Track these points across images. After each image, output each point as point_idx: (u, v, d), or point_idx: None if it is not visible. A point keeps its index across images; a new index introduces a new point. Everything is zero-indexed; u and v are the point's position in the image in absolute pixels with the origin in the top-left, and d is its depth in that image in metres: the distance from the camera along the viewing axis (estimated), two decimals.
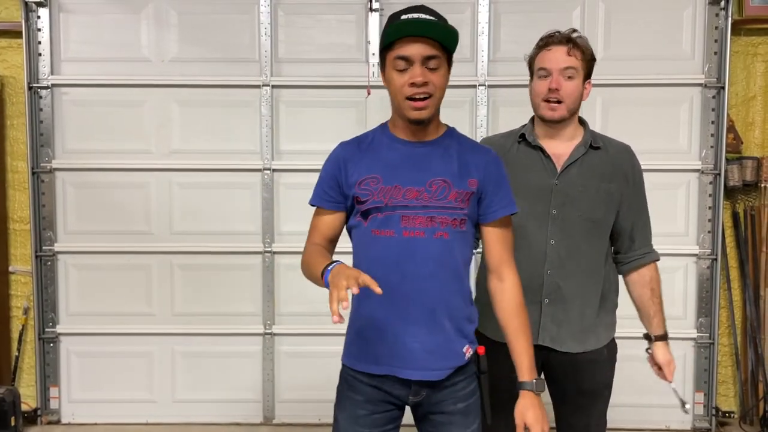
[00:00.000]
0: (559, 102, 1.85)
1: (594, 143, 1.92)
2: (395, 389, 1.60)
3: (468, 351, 1.62)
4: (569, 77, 1.85)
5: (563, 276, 1.90)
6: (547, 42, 1.88)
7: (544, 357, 1.93)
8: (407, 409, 1.69)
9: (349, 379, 1.64)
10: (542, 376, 2.00)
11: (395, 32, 1.50)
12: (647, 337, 2.08)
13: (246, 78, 3.35)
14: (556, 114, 1.86)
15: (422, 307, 1.56)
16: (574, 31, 1.90)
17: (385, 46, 1.54)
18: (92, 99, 3.38)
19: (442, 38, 1.50)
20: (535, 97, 1.90)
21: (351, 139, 1.67)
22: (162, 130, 3.39)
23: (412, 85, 1.49)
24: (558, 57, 1.85)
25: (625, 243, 1.98)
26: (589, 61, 1.89)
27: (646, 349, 2.08)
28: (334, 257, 1.55)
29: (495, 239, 1.61)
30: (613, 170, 1.91)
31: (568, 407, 2.00)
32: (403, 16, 1.51)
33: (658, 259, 2.02)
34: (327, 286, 1.41)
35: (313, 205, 1.66)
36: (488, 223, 1.61)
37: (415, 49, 1.49)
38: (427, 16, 1.51)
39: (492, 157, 1.63)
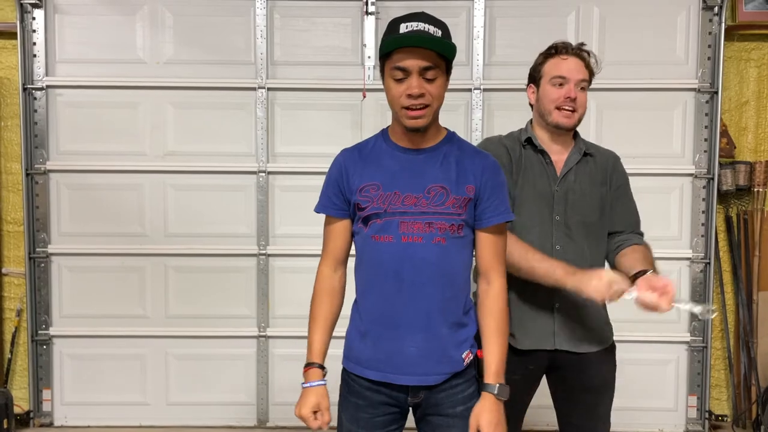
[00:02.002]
0: (573, 111, 1.89)
1: (587, 150, 1.97)
2: (394, 392, 1.62)
3: (468, 357, 1.63)
4: (582, 89, 1.90)
5: None
6: (561, 51, 1.90)
7: (551, 358, 1.95)
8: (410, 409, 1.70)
9: (349, 383, 1.65)
10: (544, 377, 2.02)
11: (393, 43, 1.51)
12: (636, 276, 1.76)
13: (241, 80, 3.35)
14: (571, 122, 1.90)
15: (419, 312, 1.57)
16: (582, 44, 1.94)
17: (384, 54, 1.55)
18: (87, 100, 3.37)
19: (440, 50, 1.51)
20: (549, 103, 1.90)
21: (352, 146, 1.69)
22: (156, 132, 3.38)
23: (409, 96, 1.51)
24: (577, 68, 1.88)
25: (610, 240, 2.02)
26: (593, 73, 1.95)
27: (630, 291, 1.73)
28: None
29: (486, 245, 1.62)
30: (602, 176, 1.97)
31: (574, 407, 2.01)
32: (402, 25, 1.52)
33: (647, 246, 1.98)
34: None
35: (318, 213, 1.69)
36: (482, 228, 1.62)
37: (413, 61, 1.50)
38: (426, 26, 1.51)
39: (490, 163, 1.63)
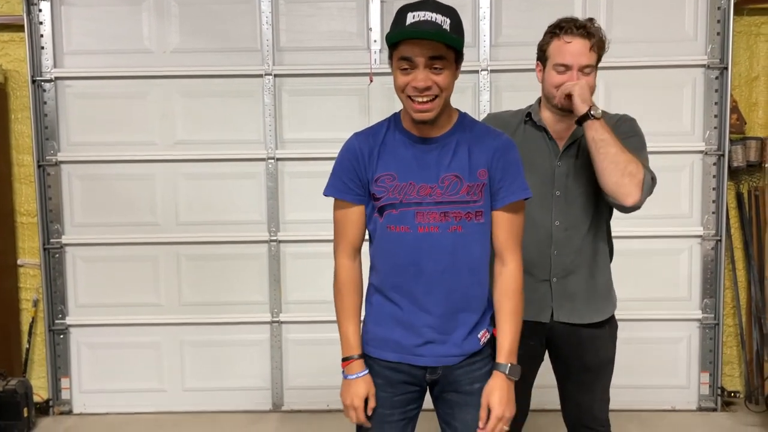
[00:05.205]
0: None
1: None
2: (412, 371, 1.64)
3: (484, 336, 1.65)
4: (587, 73, 1.85)
5: (570, 252, 1.93)
6: (566, 31, 1.84)
7: (548, 333, 1.96)
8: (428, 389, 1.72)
9: (369, 364, 1.67)
10: (546, 353, 2.04)
11: (399, 35, 1.49)
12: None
13: (248, 67, 3.35)
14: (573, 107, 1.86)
15: (438, 300, 1.59)
16: (590, 20, 1.87)
17: (391, 44, 1.53)
18: (95, 91, 3.39)
19: (447, 42, 1.48)
20: (552, 88, 1.88)
21: (364, 130, 1.67)
22: (165, 122, 3.40)
23: (415, 88, 1.50)
24: (580, 52, 1.82)
25: None
26: (602, 51, 1.88)
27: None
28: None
29: (501, 224, 1.62)
30: None
31: (572, 384, 2.03)
32: (410, 15, 1.48)
33: (654, 178, 1.90)
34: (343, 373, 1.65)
35: (329, 196, 1.66)
36: (496, 209, 1.61)
37: (419, 52, 1.47)
38: (434, 15, 1.47)
39: (501, 143, 1.62)
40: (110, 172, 3.42)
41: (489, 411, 1.59)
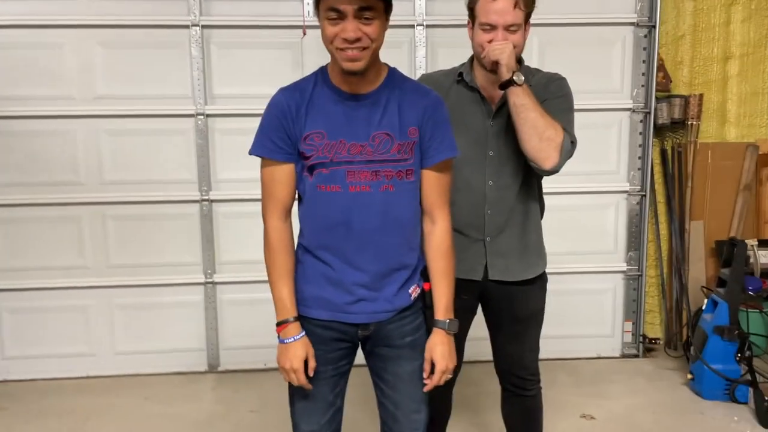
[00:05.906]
0: None
1: (527, 80, 1.89)
2: (344, 328, 1.65)
3: (414, 291, 1.67)
4: (513, 31, 1.83)
5: (503, 211, 1.95)
6: None
7: (481, 288, 2.00)
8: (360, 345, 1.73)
9: (301, 323, 1.65)
10: (479, 307, 2.08)
11: None
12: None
13: (173, 18, 3.19)
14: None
15: (369, 258, 1.59)
16: None
17: None
18: (7, 41, 3.16)
19: None
20: (479, 48, 1.86)
21: (291, 86, 1.61)
22: (84, 75, 3.21)
23: (344, 39, 1.46)
24: (505, 10, 1.80)
25: None
26: (530, 7, 1.86)
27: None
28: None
29: (430, 183, 1.62)
30: (538, 99, 1.90)
31: (503, 335, 2.08)
32: None
33: (574, 142, 1.92)
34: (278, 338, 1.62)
35: (256, 155, 1.60)
36: (425, 167, 1.61)
37: (347, 1, 1.43)
38: None
39: (431, 101, 1.61)
40: (27, 129, 3.22)
41: (433, 365, 1.64)
